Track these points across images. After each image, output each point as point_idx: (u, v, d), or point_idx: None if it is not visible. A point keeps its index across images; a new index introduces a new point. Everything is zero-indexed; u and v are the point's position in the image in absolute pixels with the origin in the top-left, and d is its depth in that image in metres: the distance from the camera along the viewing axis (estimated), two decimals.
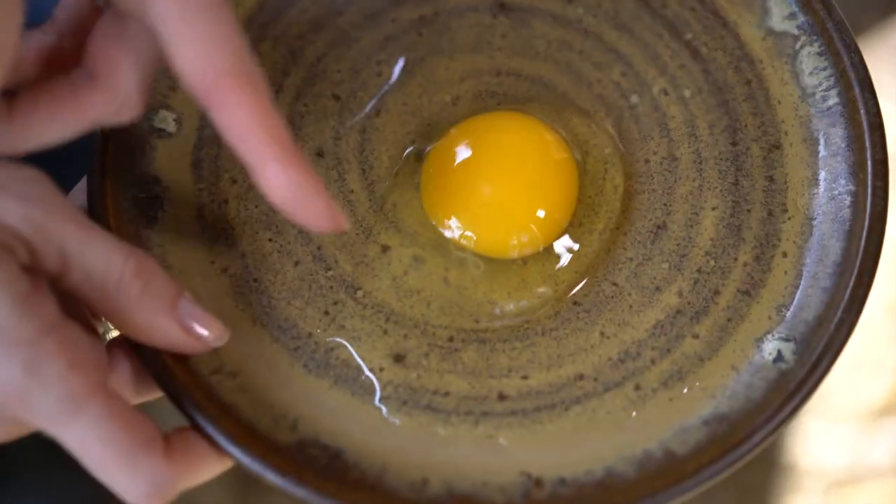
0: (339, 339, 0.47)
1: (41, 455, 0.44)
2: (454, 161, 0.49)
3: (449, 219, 0.49)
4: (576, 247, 0.48)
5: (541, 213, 0.48)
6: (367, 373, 0.46)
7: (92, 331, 0.44)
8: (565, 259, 0.48)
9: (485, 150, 0.49)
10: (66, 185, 0.48)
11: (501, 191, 0.49)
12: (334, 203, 0.42)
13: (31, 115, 0.40)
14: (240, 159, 0.41)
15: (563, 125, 0.50)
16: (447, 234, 0.49)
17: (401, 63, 0.51)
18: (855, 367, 1.11)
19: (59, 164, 0.62)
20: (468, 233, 0.48)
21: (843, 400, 1.11)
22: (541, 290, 0.48)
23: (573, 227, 0.49)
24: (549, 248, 0.49)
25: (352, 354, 0.47)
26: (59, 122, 0.40)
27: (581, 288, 0.48)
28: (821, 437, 1.10)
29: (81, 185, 0.48)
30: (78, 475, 0.42)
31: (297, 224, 0.42)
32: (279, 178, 0.40)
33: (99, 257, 0.42)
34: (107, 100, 0.41)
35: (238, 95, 0.40)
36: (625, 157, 0.50)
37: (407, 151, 0.50)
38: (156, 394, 0.46)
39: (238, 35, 0.40)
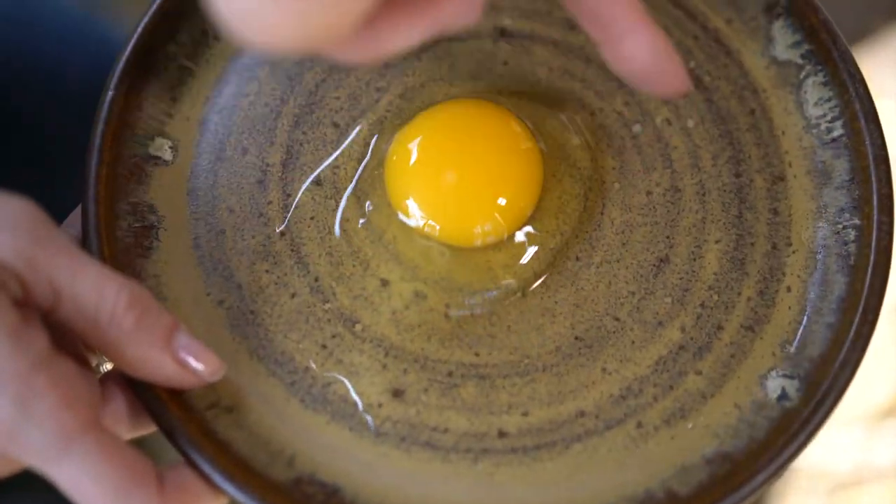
0: (336, 375, 0.46)
1: None
2: (417, 148, 0.48)
3: (412, 207, 0.48)
4: (533, 231, 0.48)
5: (503, 201, 0.48)
6: (364, 409, 0.46)
7: (85, 364, 0.44)
8: (529, 252, 0.48)
9: (448, 138, 0.48)
10: (61, 212, 0.48)
11: (463, 178, 0.48)
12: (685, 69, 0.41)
13: (391, 22, 0.37)
14: (595, 33, 0.40)
15: (563, 158, 0.49)
16: (410, 222, 0.48)
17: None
18: (859, 370, 1.11)
19: (53, 191, 0.61)
20: (431, 221, 0.48)
21: (848, 402, 1.11)
22: (506, 281, 0.47)
23: (569, 261, 0.48)
24: (512, 239, 0.48)
25: (349, 389, 0.46)
26: (416, 26, 0.37)
27: (581, 322, 0.47)
28: (825, 439, 1.10)
29: (76, 214, 0.47)
30: None
31: (651, 91, 0.41)
32: (644, 43, 0.39)
33: (91, 290, 0.41)
34: (456, 3, 0.38)
35: None
36: (626, 188, 0.49)
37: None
38: (152, 428, 0.45)
39: None
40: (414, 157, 0.48)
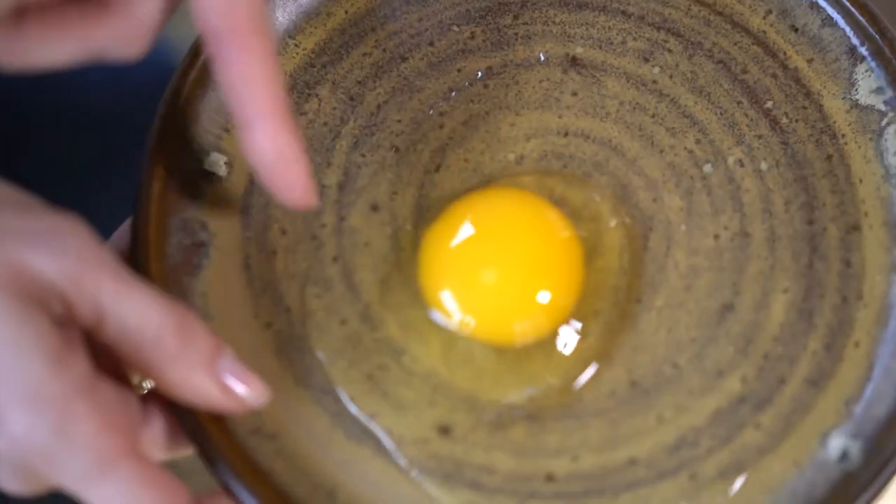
0: (382, 407, 0.45)
1: None
2: (451, 243, 0.46)
3: (447, 305, 0.46)
4: (579, 326, 0.46)
5: (544, 298, 0.46)
6: (410, 444, 0.44)
7: (126, 383, 0.43)
8: (571, 345, 0.46)
9: (482, 232, 0.46)
10: (110, 226, 0.47)
11: (501, 276, 0.46)
12: (311, 180, 0.41)
13: (37, 32, 0.39)
14: (233, 114, 0.40)
15: (625, 198, 0.47)
16: (445, 322, 0.46)
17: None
18: None
19: (103, 204, 0.60)
20: (468, 319, 0.46)
21: None
22: (550, 379, 0.45)
23: (622, 307, 0.46)
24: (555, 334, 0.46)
25: (395, 423, 0.44)
26: (63, 42, 0.39)
27: (639, 367, 0.45)
28: None
29: (125, 228, 0.46)
30: None
31: (271, 191, 0.41)
32: (268, 138, 0.40)
33: (136, 312, 0.40)
34: (114, 28, 0.39)
35: (249, 46, 0.39)
36: (693, 231, 0.47)
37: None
38: (190, 449, 0.44)
39: None
40: (447, 253, 0.46)
